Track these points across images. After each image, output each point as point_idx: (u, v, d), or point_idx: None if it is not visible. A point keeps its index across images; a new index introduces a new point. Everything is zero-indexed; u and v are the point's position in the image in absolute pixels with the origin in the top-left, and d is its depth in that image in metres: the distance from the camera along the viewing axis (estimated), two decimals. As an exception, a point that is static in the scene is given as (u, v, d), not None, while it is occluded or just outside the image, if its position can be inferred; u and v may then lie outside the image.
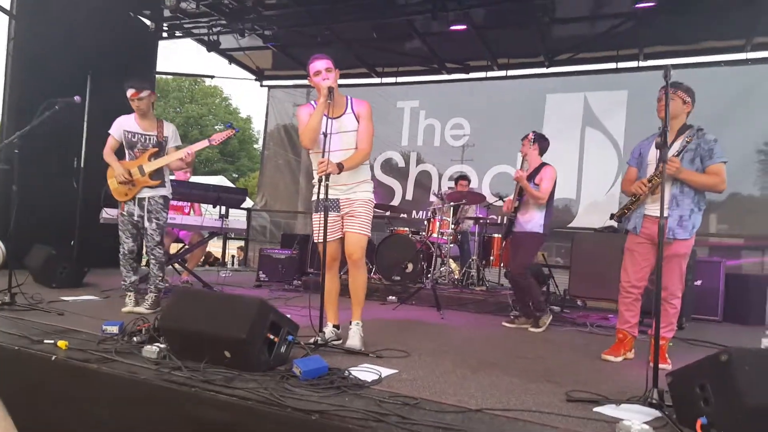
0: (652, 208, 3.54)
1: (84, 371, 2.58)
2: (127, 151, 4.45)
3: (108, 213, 5.22)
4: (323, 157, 3.18)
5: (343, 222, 3.44)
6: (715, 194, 3.62)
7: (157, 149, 4.42)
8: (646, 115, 7.01)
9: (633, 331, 3.67)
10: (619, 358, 3.61)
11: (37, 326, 3.36)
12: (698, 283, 6.00)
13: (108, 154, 4.43)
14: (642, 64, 8.05)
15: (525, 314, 4.88)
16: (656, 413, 2.36)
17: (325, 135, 3.17)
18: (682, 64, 7.59)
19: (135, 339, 3.00)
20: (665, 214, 3.28)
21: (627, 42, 7.72)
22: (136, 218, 4.44)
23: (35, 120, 4.01)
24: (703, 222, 3.49)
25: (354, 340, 3.32)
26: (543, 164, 4.76)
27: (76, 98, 4.14)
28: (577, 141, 8.23)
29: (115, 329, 3.19)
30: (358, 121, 3.40)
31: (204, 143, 4.55)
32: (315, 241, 3.45)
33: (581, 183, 8.18)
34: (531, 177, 4.69)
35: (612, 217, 3.92)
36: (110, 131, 4.47)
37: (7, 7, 6.55)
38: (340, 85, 3.41)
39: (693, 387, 2.20)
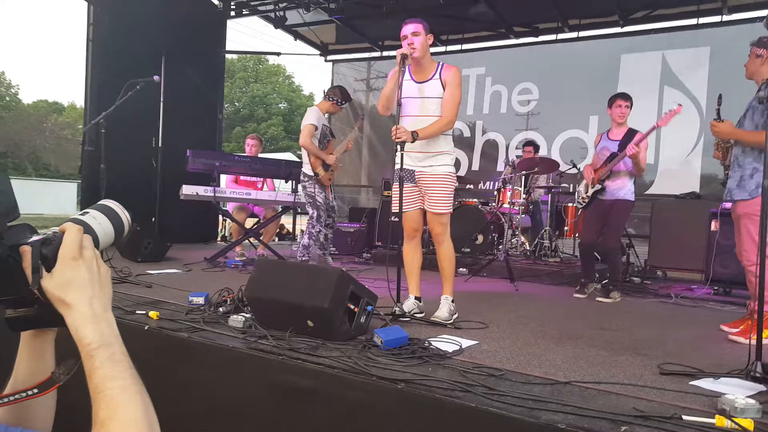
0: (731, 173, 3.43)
1: (175, 340, 2.70)
2: (319, 143, 5.11)
3: (187, 190, 5.42)
4: (398, 124, 3.12)
5: (422, 195, 3.38)
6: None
7: (333, 139, 5.35)
8: (731, 72, 6.56)
9: None
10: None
11: (129, 298, 3.54)
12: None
13: (311, 144, 5.00)
14: (726, 18, 7.41)
15: (590, 280, 4.77)
16: (760, 387, 2.23)
17: (399, 104, 3.11)
18: (768, 17, 6.92)
19: (221, 309, 3.10)
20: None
21: (710, -6, 7.14)
22: (326, 200, 5.22)
23: (118, 100, 4.20)
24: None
25: (441, 311, 3.28)
26: (634, 131, 4.55)
27: (156, 77, 4.31)
28: (655, 102, 7.75)
29: (200, 300, 3.32)
30: (443, 88, 3.28)
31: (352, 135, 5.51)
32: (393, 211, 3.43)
33: (659, 147, 7.73)
34: (624, 144, 4.50)
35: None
36: (313, 122, 5.03)
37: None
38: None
39: (804, 361, 2.05)
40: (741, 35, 6.79)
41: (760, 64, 3.26)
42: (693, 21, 7.61)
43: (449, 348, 2.60)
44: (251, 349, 2.47)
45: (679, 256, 6.00)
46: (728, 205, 3.68)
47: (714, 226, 5.17)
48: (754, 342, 3.09)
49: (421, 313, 3.38)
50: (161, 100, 6.86)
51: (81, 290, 0.80)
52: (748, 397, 2.00)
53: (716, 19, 7.46)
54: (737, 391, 2.10)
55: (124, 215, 0.94)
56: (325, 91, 5.42)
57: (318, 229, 5.19)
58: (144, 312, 3.04)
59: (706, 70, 7.46)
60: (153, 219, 6.66)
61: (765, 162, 2.47)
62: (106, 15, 6.85)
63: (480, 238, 6.21)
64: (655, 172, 7.75)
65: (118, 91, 4.33)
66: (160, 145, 6.87)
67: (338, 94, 5.22)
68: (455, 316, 3.32)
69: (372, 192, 10.17)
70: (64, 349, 0.88)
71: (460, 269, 5.83)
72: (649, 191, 7.67)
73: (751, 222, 3.23)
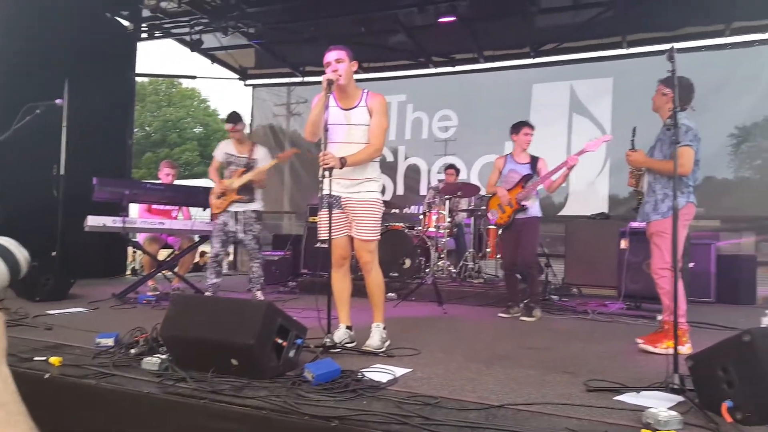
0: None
1: (81, 388, 2.43)
2: (225, 171, 5.15)
3: (93, 221, 5.02)
4: (325, 150, 3.07)
5: (350, 222, 3.32)
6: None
7: (245, 169, 5.04)
8: (631, 100, 7.12)
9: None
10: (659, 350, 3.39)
11: (25, 343, 3.16)
12: (691, 265, 6.01)
13: (212, 173, 5.20)
14: (625, 51, 8.07)
15: (515, 302, 4.91)
16: (678, 398, 2.32)
17: (326, 129, 3.06)
18: (664, 51, 7.62)
19: (132, 351, 2.85)
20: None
21: (610, 30, 7.75)
22: (230, 228, 5.02)
23: (14, 125, 3.84)
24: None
25: (373, 340, 3.22)
26: (536, 157, 4.92)
27: (58, 101, 4.00)
28: (565, 128, 8.23)
29: (110, 341, 3.04)
30: (370, 115, 3.27)
31: (271, 162, 5.13)
32: (319, 238, 3.34)
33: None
34: (533, 167, 4.82)
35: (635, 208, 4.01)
36: (214, 154, 5.25)
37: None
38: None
39: (715, 370, 2.16)
40: (639, 67, 7.40)
41: (666, 102, 3.54)
42: (597, 54, 8.23)
43: (383, 378, 2.52)
44: (169, 393, 2.27)
45: (592, 273, 6.32)
46: (635, 224, 3.93)
47: (623, 244, 5.49)
48: (663, 351, 3.29)
49: (353, 342, 3.28)
50: (64, 125, 6.36)
51: None
52: (670, 408, 2.07)
53: (617, 52, 8.11)
54: (659, 404, 2.17)
55: (20, 252, 0.82)
56: None
57: (210, 258, 5.14)
58: (43, 358, 2.71)
59: (609, 98, 8.03)
60: (53, 253, 6.11)
61: (674, 186, 2.65)
62: (0, 33, 6.32)
63: (407, 262, 6.22)
64: (566, 194, 8.18)
65: (14, 116, 3.95)
66: (62, 173, 6.34)
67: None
68: (387, 344, 3.27)
69: (295, 218, 9.98)
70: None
71: (389, 294, 5.78)
72: (562, 212, 8.07)
73: (659, 238, 3.49)
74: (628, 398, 2.36)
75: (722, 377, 2.12)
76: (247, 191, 5.02)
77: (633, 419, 2.07)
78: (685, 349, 3.27)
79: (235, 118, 5.16)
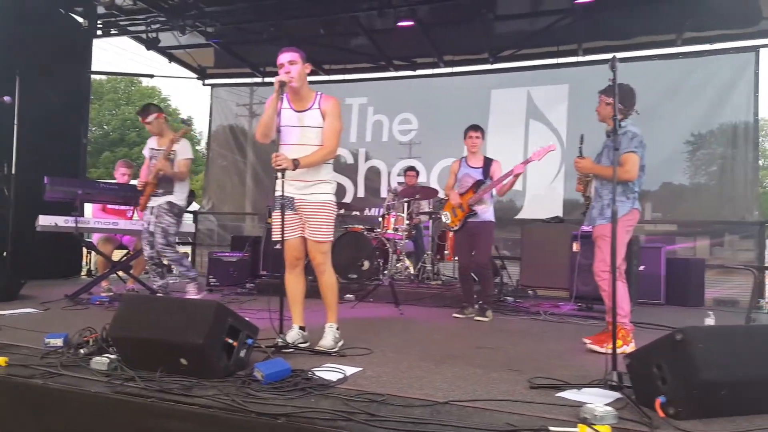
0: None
1: (28, 388, 2.41)
2: (151, 166, 4.88)
3: (45, 221, 4.90)
4: (278, 151, 3.09)
5: (303, 223, 3.33)
6: (648, 184, 3.77)
7: (162, 160, 4.77)
8: (586, 107, 7.28)
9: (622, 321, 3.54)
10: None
11: (-30, 344, 3.10)
12: (642, 268, 6.22)
13: (141, 171, 4.97)
14: (581, 59, 8.30)
15: (470, 303, 5.00)
16: (616, 395, 2.42)
17: (278, 130, 3.08)
18: (618, 59, 7.89)
19: (82, 351, 2.82)
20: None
21: (566, 38, 7.93)
22: (148, 225, 4.79)
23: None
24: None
25: (326, 340, 3.25)
26: (489, 159, 5.01)
27: (6, 99, 3.89)
28: (522, 134, 8.38)
29: (59, 342, 3.00)
30: (323, 118, 3.28)
31: (168, 147, 4.81)
32: (273, 239, 3.35)
33: (527, 174, 8.35)
34: (486, 171, 4.90)
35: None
36: (143, 152, 5.08)
37: None
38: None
39: (650, 367, 2.26)
40: (594, 74, 7.57)
41: (611, 110, 3.63)
42: (553, 60, 8.40)
43: (333, 377, 2.57)
44: (117, 393, 2.27)
45: (546, 275, 6.48)
46: (587, 228, 4.04)
47: (575, 247, 5.66)
48: (608, 350, 3.41)
49: (306, 342, 3.31)
50: (15, 123, 6.16)
51: None
52: (606, 404, 2.15)
53: (573, 59, 8.32)
54: (597, 400, 2.26)
55: None
56: None
57: (147, 262, 4.95)
58: (-13, 359, 2.67)
59: (565, 105, 8.22)
60: (4, 253, 5.92)
61: (614, 190, 2.78)
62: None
63: (366, 264, 6.26)
64: (523, 198, 8.37)
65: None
66: (13, 171, 6.15)
67: None
68: (340, 344, 3.31)
69: (257, 219, 9.91)
70: None
71: (347, 296, 5.84)
72: (519, 216, 8.25)
73: (602, 241, 3.62)
74: (569, 395, 2.44)
75: (657, 374, 2.22)
76: (165, 184, 4.77)
77: (572, 415, 2.15)
78: (629, 348, 3.40)
79: (142, 110, 4.96)
